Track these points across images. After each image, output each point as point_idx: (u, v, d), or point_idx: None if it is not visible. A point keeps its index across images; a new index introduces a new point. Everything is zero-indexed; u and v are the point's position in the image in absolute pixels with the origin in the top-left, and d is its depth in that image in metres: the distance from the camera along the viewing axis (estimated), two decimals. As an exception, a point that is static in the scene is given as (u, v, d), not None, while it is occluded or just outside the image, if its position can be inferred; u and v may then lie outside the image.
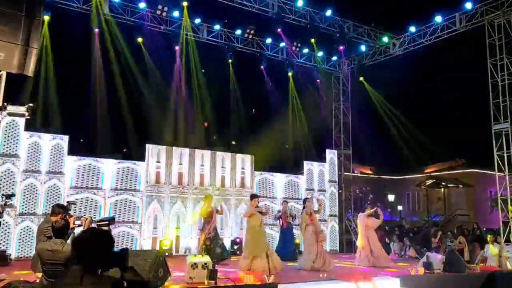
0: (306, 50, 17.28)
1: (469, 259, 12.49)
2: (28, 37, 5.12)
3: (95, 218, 6.42)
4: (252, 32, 15.75)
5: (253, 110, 16.07)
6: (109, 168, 12.74)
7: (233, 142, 15.08)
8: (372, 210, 11.57)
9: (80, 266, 2.45)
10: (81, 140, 14.96)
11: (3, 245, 10.85)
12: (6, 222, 10.83)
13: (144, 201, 13.02)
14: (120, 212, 12.69)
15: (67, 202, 9.98)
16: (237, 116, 18.03)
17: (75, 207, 10.99)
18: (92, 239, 2.55)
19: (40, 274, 6.26)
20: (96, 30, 14.04)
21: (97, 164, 12.63)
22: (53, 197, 11.81)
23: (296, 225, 12.93)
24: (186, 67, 16.28)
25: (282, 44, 16.73)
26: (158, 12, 14.18)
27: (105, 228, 4.72)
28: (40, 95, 13.85)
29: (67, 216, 6.84)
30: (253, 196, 9.91)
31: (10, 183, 11.20)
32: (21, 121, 11.50)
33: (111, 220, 5.17)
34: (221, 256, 10.54)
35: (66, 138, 12.31)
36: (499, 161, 13.03)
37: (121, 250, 2.64)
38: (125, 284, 2.60)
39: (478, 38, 14.29)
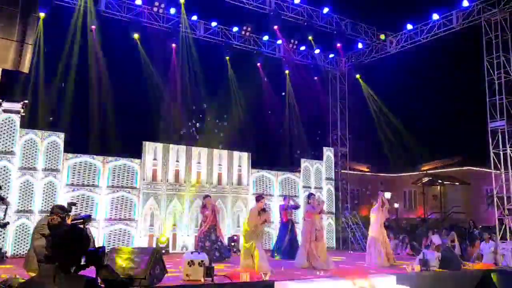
0: (303, 48, 17.26)
1: (461, 255, 12.52)
2: (23, 34, 5.08)
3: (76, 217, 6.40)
4: (249, 29, 15.71)
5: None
6: (105, 165, 12.70)
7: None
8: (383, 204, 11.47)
9: (53, 264, 2.41)
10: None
11: (-1, 243, 10.83)
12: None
13: (141, 199, 13.00)
14: (116, 209, 12.67)
15: (68, 203, 9.97)
16: (234, 114, 18.00)
17: (76, 209, 10.98)
18: (66, 237, 2.49)
19: (34, 273, 6.25)
20: (93, 27, 13.97)
21: (93, 161, 12.60)
22: (49, 194, 11.78)
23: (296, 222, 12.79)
24: (184, 65, 16.23)
25: (279, 42, 16.70)
26: (155, 9, 14.12)
27: (80, 226, 4.69)
28: (35, 92, 13.78)
29: (66, 217, 6.82)
30: (259, 198, 9.46)
31: (5, 180, 11.16)
32: (17, 118, 11.44)
33: (86, 219, 5.15)
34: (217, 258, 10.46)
35: (62, 135, 12.27)
36: (495, 159, 13.06)
37: (97, 249, 2.61)
38: (100, 282, 2.57)
39: (474, 36, 14.31)
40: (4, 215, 8.53)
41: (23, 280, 5.42)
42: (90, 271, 2.54)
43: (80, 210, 11.83)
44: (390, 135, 19.16)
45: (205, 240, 10.84)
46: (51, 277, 2.35)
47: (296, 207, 13.02)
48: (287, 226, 12.27)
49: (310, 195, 11.15)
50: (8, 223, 9.04)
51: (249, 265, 8.58)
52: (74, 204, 10.60)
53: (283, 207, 12.65)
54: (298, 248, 10.78)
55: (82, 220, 5.02)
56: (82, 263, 2.53)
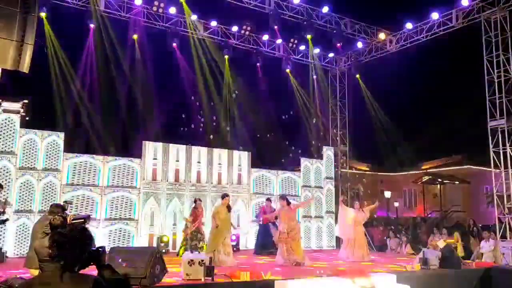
0: (302, 47, 17.26)
1: (464, 255, 12.55)
2: (23, 33, 5.09)
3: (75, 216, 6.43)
4: (248, 28, 15.71)
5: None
6: (105, 165, 12.70)
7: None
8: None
9: (59, 263, 2.41)
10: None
11: (-1, 243, 10.84)
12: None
13: (141, 198, 13.00)
14: (116, 209, 12.67)
15: (64, 201, 9.99)
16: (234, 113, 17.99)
17: (72, 207, 11.01)
18: (72, 236, 2.50)
19: (34, 271, 6.26)
20: (92, 26, 13.96)
21: (93, 161, 12.60)
22: (49, 194, 11.78)
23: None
24: (183, 64, 16.24)
25: (279, 41, 16.70)
26: (154, 9, 14.11)
27: (83, 225, 4.69)
28: (35, 92, 13.78)
29: (64, 215, 6.83)
30: (224, 196, 10.42)
31: (6, 180, 11.16)
32: (17, 118, 11.45)
33: (86, 219, 5.15)
34: None
35: (62, 135, 12.27)
36: (495, 158, 13.07)
37: (97, 248, 2.62)
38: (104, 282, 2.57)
39: (474, 35, 14.31)
40: (3, 212, 8.54)
41: (23, 280, 5.43)
42: (86, 271, 2.55)
43: (80, 210, 11.86)
44: (390, 134, 19.16)
45: (192, 239, 11.10)
46: (58, 277, 2.36)
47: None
48: (267, 227, 12.39)
49: (282, 197, 11.30)
50: (7, 219, 9.06)
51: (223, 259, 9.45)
52: (70, 202, 10.66)
53: (261, 213, 12.81)
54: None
55: (83, 220, 5.02)
56: (84, 262, 2.53)
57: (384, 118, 18.51)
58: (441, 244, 11.04)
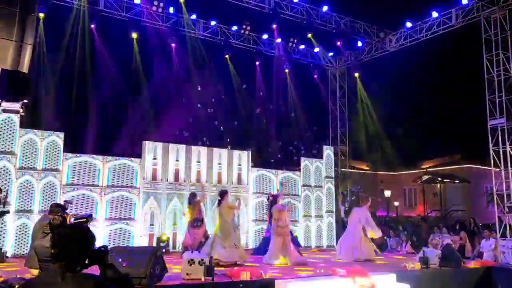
0: (302, 46, 17.25)
1: (463, 256, 12.54)
2: (22, 33, 5.09)
3: (76, 215, 6.42)
4: (248, 28, 15.71)
5: (258, 110, 16.34)
6: (105, 165, 12.70)
7: (229, 147, 14.92)
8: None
9: (60, 264, 2.40)
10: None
11: (-1, 243, 10.84)
12: (2, 219, 10.80)
13: (141, 198, 13.00)
14: (116, 209, 12.67)
15: (64, 201, 9.99)
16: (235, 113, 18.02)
17: (72, 206, 11.01)
18: (74, 236, 2.49)
19: (35, 271, 6.26)
20: (92, 26, 13.96)
21: (93, 161, 12.60)
22: (49, 194, 11.78)
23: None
24: (183, 64, 16.25)
25: (279, 40, 16.70)
26: (154, 8, 14.11)
27: (85, 225, 4.68)
28: (35, 92, 13.78)
29: (64, 215, 6.83)
30: (226, 192, 10.61)
31: (5, 180, 11.16)
32: (16, 118, 11.44)
33: (88, 218, 5.15)
34: None
35: (61, 135, 12.27)
36: (495, 157, 13.07)
37: (100, 247, 2.61)
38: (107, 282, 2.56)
39: (474, 34, 14.30)
40: (4, 204, 8.52)
41: (24, 280, 5.42)
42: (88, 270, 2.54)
43: (80, 209, 11.85)
44: (390, 133, 19.19)
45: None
46: (60, 277, 2.35)
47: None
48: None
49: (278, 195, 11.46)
50: (8, 211, 9.03)
51: (238, 254, 9.67)
52: (70, 202, 10.67)
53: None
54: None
55: (85, 219, 5.02)
56: (86, 262, 2.52)
57: (384, 117, 18.54)
58: (447, 240, 11.06)
